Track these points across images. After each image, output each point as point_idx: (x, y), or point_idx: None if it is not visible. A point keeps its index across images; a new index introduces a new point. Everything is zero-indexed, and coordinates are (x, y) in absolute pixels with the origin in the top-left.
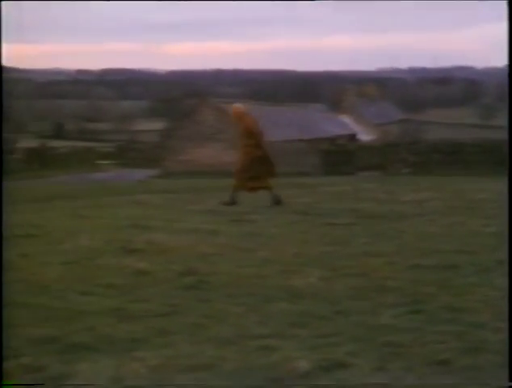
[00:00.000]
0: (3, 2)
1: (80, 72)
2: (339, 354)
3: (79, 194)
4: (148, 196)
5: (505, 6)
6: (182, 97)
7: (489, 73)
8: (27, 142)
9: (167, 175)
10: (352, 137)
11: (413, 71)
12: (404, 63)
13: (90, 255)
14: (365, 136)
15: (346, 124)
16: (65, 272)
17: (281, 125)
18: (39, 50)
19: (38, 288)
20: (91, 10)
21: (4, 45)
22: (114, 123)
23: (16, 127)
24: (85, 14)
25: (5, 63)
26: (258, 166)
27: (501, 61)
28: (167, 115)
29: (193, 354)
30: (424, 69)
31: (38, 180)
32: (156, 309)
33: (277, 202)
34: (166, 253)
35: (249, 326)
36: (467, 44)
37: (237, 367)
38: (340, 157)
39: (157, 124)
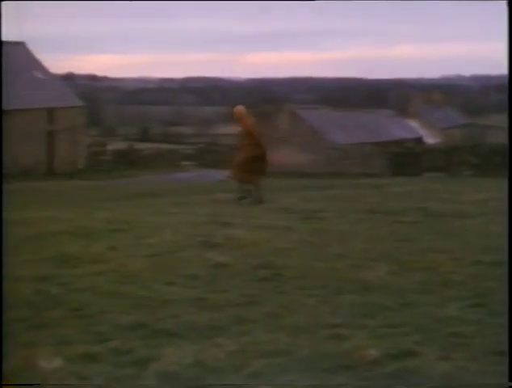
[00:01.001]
0: (3, 2)
1: (165, 80)
2: (406, 343)
3: (163, 192)
4: (227, 194)
5: (505, 6)
6: (259, 103)
7: None
8: (116, 144)
9: None
10: (418, 141)
11: (476, 78)
12: (467, 70)
13: (174, 249)
14: (430, 139)
15: (413, 128)
16: (150, 264)
17: (351, 129)
18: (128, 60)
19: (126, 278)
20: (177, 23)
21: (96, 56)
22: (195, 127)
23: (106, 131)
24: (170, 27)
25: (96, 72)
26: (254, 163)
27: None
28: None
29: (269, 341)
30: (486, 76)
31: (126, 179)
32: (234, 300)
33: (259, 201)
34: (244, 247)
35: (321, 316)
36: None
37: (310, 354)
38: (407, 159)
39: (236, 129)
